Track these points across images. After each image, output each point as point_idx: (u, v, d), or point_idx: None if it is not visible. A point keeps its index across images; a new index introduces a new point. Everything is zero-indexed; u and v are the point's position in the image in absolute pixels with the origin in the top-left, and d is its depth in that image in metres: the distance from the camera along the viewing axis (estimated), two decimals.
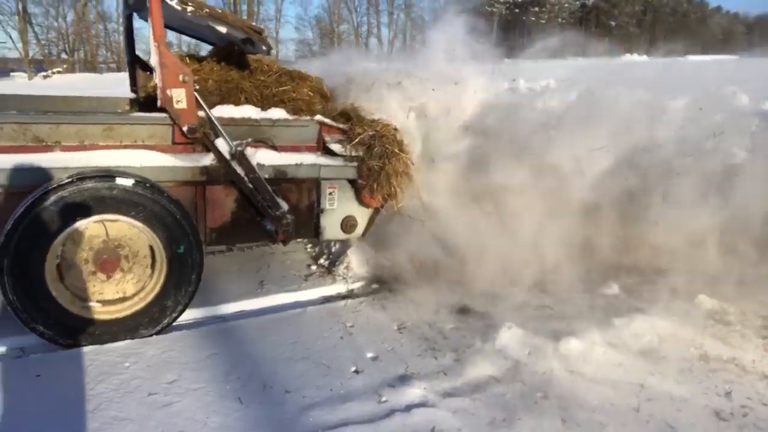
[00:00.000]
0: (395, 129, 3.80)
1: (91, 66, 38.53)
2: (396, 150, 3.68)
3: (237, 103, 3.68)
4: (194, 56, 4.48)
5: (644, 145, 5.38)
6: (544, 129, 5.16)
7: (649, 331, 3.21)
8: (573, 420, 2.52)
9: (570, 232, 4.19)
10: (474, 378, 2.81)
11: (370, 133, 3.69)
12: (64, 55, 38.91)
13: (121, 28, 4.95)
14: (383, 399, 2.62)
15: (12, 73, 31.51)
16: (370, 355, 3.02)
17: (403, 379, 2.78)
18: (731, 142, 5.03)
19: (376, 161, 3.62)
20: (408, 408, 2.55)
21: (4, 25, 34.66)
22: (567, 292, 3.81)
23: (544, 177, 4.43)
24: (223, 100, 3.66)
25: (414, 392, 2.67)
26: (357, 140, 3.67)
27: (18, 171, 2.89)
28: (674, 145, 5.41)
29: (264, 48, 4.35)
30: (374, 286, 3.84)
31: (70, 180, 2.89)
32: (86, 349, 2.95)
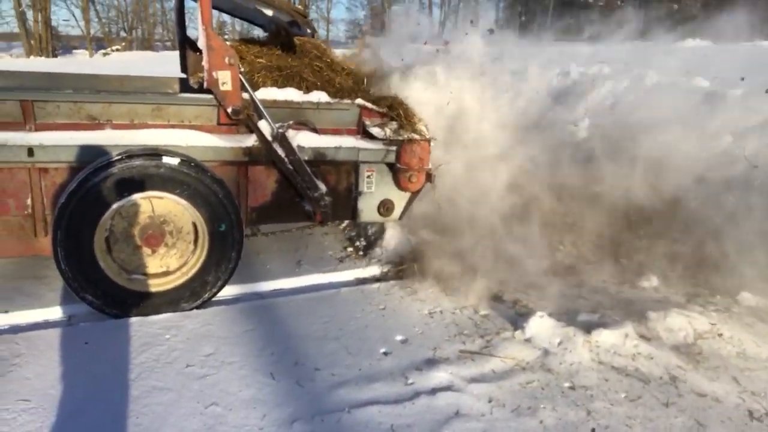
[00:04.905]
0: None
1: (147, 44, 39.61)
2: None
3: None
4: (254, 40, 4.55)
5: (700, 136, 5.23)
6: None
7: (685, 326, 3.15)
8: (598, 412, 2.51)
9: (613, 222, 4.14)
10: (501, 365, 2.83)
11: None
12: (123, 33, 40.16)
13: None
14: (410, 381, 2.68)
15: (74, 51, 32.79)
16: (399, 337, 3.08)
17: (431, 363, 2.83)
18: None
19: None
20: (433, 391, 2.59)
21: (69, 3, 36.04)
22: (603, 283, 3.76)
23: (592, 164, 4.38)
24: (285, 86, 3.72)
25: (440, 376, 2.71)
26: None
27: (72, 147, 3.04)
28: (731, 135, 5.23)
29: (309, 31, 4.41)
30: (408, 269, 3.87)
31: (119, 157, 3.03)
32: (131, 319, 3.11)
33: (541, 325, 3.09)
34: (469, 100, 4.27)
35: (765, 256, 3.87)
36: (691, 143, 4.75)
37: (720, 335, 3.15)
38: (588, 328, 3.09)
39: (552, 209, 4.07)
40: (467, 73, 4.31)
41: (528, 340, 3.04)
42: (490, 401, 2.55)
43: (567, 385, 2.70)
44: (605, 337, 3.02)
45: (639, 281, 3.82)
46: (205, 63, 3.40)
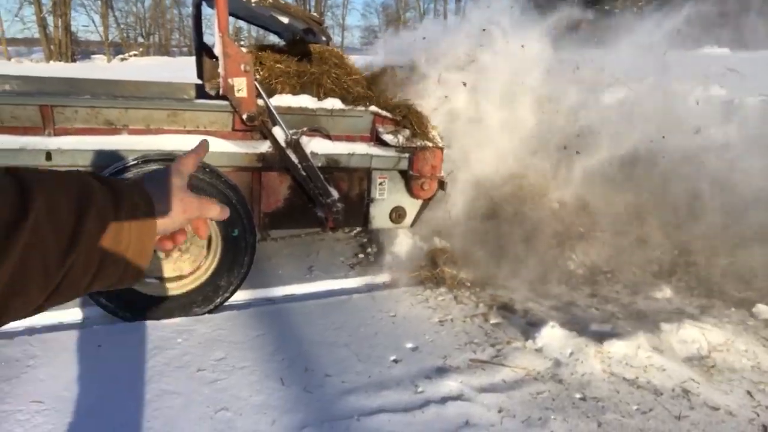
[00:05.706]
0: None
1: (164, 49, 40.11)
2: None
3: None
4: (273, 46, 4.58)
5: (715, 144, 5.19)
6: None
7: (698, 338, 3.11)
8: (609, 424, 2.49)
9: (624, 232, 4.11)
10: (512, 375, 2.82)
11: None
12: (140, 39, 40.72)
13: None
14: (419, 389, 2.67)
15: (93, 56, 33.29)
16: (409, 345, 3.07)
17: (441, 372, 2.82)
18: None
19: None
20: (443, 400, 2.59)
21: (88, 9, 36.66)
22: (616, 293, 3.74)
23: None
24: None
25: (450, 385, 2.70)
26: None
27: (89, 152, 3.08)
28: (746, 143, 5.18)
29: (324, 38, 4.44)
30: (419, 276, 3.87)
31: (135, 162, 3.06)
32: (143, 323, 3.13)
33: (552, 335, 3.07)
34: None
35: None
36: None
37: (734, 348, 3.11)
38: (600, 339, 3.06)
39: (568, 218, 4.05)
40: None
41: (539, 350, 3.02)
42: (500, 411, 2.54)
43: (578, 396, 2.68)
44: (617, 348, 3.00)
45: (652, 292, 3.78)
46: (221, 69, 3.43)
